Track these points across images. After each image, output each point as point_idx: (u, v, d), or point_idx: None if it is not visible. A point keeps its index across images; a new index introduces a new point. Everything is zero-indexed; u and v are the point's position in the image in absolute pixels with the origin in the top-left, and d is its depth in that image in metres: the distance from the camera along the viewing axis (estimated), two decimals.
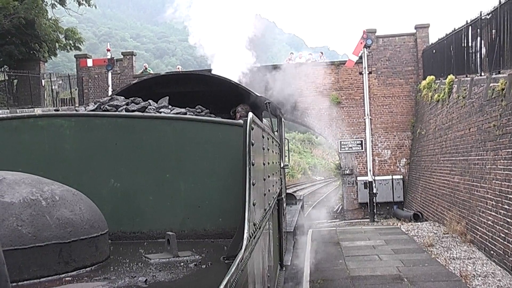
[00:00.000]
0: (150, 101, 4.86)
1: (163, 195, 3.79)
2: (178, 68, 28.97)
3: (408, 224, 16.11)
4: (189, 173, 3.80)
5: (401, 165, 21.26)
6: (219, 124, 3.94)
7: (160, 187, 3.80)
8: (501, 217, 9.61)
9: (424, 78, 19.53)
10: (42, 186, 2.70)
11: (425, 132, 18.23)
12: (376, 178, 20.71)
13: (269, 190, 4.60)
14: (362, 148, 21.38)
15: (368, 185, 20.47)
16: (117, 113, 4.31)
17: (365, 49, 20.66)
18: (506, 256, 9.19)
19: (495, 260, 9.72)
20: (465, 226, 12.04)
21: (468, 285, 8.53)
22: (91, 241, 2.72)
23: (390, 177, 21.00)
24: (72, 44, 26.46)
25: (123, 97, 4.93)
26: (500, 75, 10.55)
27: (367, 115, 21.12)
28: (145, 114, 4.28)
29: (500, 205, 9.70)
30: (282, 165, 7.71)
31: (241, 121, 3.48)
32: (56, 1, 25.93)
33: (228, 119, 4.45)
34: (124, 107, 4.57)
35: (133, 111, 4.46)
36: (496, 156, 10.12)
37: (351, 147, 21.53)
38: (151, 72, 25.39)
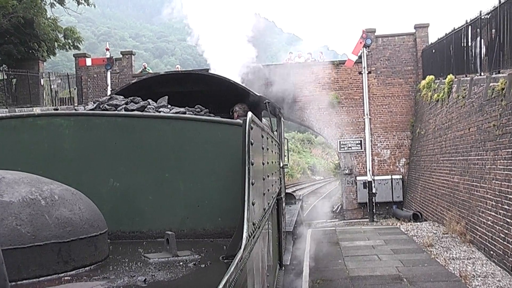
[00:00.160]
0: (149, 100, 4.85)
1: (163, 194, 3.79)
2: (177, 67, 28.95)
3: (408, 224, 16.13)
4: (189, 172, 3.80)
5: (401, 165, 21.28)
6: (218, 124, 3.94)
7: (159, 187, 3.79)
8: (501, 217, 9.62)
9: (424, 78, 19.54)
10: (41, 185, 2.70)
11: (425, 132, 18.24)
12: (376, 178, 20.72)
13: (268, 190, 4.60)
14: (361, 148, 21.38)
15: (367, 185, 20.47)
16: (116, 112, 4.30)
17: (364, 48, 20.69)
18: (506, 256, 9.18)
19: (495, 261, 9.72)
20: (465, 226, 12.05)
21: (468, 286, 8.52)
22: (90, 240, 2.72)
23: (389, 177, 21.01)
24: (71, 44, 26.44)
25: (122, 97, 4.92)
26: (500, 75, 10.55)
27: (367, 114, 21.13)
28: (145, 113, 4.28)
29: (500, 205, 9.70)
30: (281, 165, 7.71)
31: (240, 121, 3.47)
32: (55, 0, 25.89)
33: (227, 119, 4.44)
34: (124, 106, 4.56)
35: (133, 110, 4.45)
36: (496, 156, 10.12)
37: (350, 147, 21.53)
38: (150, 71, 25.39)
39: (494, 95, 10.36)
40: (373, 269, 10.06)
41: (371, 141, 21.23)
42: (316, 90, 21.72)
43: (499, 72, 10.89)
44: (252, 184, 3.13)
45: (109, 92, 21.06)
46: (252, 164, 3.18)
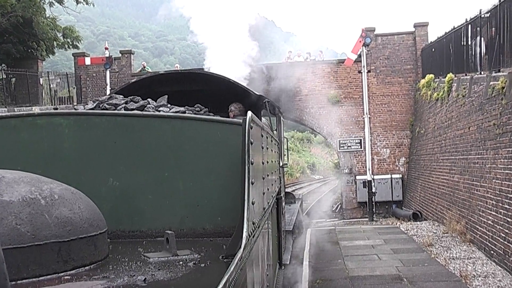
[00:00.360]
0: (149, 99, 4.85)
1: (162, 194, 3.79)
2: (177, 66, 28.95)
3: (407, 223, 16.12)
4: (188, 172, 3.79)
5: (400, 164, 21.28)
6: (218, 123, 3.93)
7: (159, 186, 3.79)
8: (502, 216, 9.61)
9: (423, 77, 19.54)
10: (41, 185, 2.69)
11: (424, 131, 18.24)
12: (375, 177, 20.72)
13: (268, 189, 4.60)
14: (361, 147, 21.38)
15: (367, 184, 20.47)
16: (116, 111, 4.29)
17: (364, 47, 20.67)
18: (507, 256, 9.17)
19: (495, 260, 9.71)
20: (465, 226, 12.04)
21: (468, 285, 8.50)
22: (90, 240, 2.71)
23: (389, 176, 21.02)
24: (70, 43, 26.43)
25: (122, 96, 4.91)
26: (500, 74, 10.55)
27: (366, 113, 21.13)
28: (144, 112, 4.27)
29: (501, 204, 9.69)
30: (281, 164, 7.71)
31: (240, 120, 3.47)
32: (54, 0, 25.89)
33: (227, 118, 4.44)
34: (123, 105, 4.56)
35: (132, 109, 4.44)
36: (496, 155, 10.11)
37: (350, 146, 21.54)
38: (149, 70, 25.39)
39: (494, 94, 10.36)
40: (373, 269, 10.05)
41: (371, 140, 21.23)
42: (315, 89, 21.73)
43: (499, 71, 10.89)
44: (252, 184, 3.13)
45: (108, 91, 21.05)
46: (252, 164, 3.18)
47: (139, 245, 3.47)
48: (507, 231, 9.28)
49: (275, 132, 7.85)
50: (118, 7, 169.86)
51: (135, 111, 4.30)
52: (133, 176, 3.80)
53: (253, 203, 3.14)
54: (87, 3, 27.04)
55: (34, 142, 3.86)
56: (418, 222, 15.85)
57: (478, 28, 13.00)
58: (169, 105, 4.81)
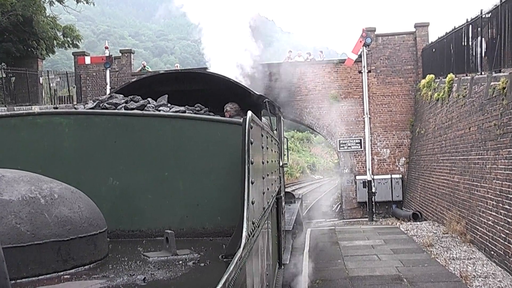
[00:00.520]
0: (149, 99, 4.85)
1: (162, 193, 3.78)
2: (177, 66, 28.95)
3: (407, 223, 16.11)
4: (188, 171, 3.79)
5: (400, 164, 21.27)
6: (218, 123, 3.93)
7: (159, 186, 3.79)
8: (502, 217, 9.60)
9: (424, 77, 19.54)
10: (41, 184, 2.69)
11: (425, 131, 18.23)
12: (375, 177, 20.72)
13: (268, 189, 4.59)
14: (361, 147, 21.38)
15: (367, 184, 20.47)
16: (116, 111, 4.29)
17: (364, 47, 20.68)
18: (507, 256, 9.16)
19: (496, 261, 9.70)
20: (465, 226, 12.03)
21: (468, 286, 8.49)
22: (90, 239, 2.71)
23: (389, 176, 21.01)
24: (70, 42, 26.44)
25: (122, 95, 4.91)
26: (501, 74, 10.54)
27: (366, 114, 21.13)
28: (144, 112, 4.27)
29: (501, 205, 9.68)
30: (281, 164, 7.70)
31: (240, 120, 3.47)
32: None
33: (227, 117, 4.44)
34: (123, 105, 4.56)
35: (132, 109, 4.44)
36: (497, 156, 10.11)
37: (350, 146, 21.53)
38: (150, 70, 25.40)
39: (495, 94, 10.35)
40: (372, 269, 10.05)
41: (371, 140, 21.23)
42: (315, 89, 21.73)
43: (500, 71, 10.88)
44: (252, 183, 3.12)
45: (108, 91, 21.07)
46: (252, 163, 3.18)
47: (138, 244, 3.47)
48: (507, 231, 9.27)
49: (275, 131, 7.85)
50: (118, 6, 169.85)
51: (135, 111, 4.30)
52: (133, 176, 3.80)
53: (253, 203, 3.14)
54: (87, 2, 27.05)
55: (34, 141, 3.86)
56: (418, 223, 15.85)
57: (479, 28, 12.99)
58: (169, 105, 4.81)
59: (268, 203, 4.60)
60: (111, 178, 3.79)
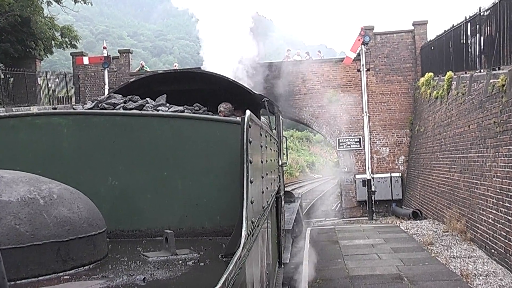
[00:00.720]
0: (148, 99, 4.85)
1: (161, 193, 3.78)
2: (175, 66, 28.94)
3: (407, 222, 16.11)
4: (187, 171, 3.79)
5: (400, 162, 21.28)
6: (216, 122, 3.93)
7: (158, 185, 3.78)
8: (502, 215, 9.59)
9: (423, 75, 19.54)
10: (40, 184, 2.69)
11: (424, 129, 18.23)
12: (375, 175, 20.73)
13: (267, 188, 4.59)
14: (360, 146, 21.38)
15: (366, 183, 20.48)
16: (114, 111, 4.28)
17: (363, 46, 20.67)
18: (508, 254, 9.15)
19: (496, 259, 9.70)
20: (465, 224, 12.03)
21: (469, 284, 8.47)
22: (89, 239, 2.71)
23: (388, 174, 21.02)
24: (68, 42, 26.42)
25: (120, 95, 4.91)
26: (500, 71, 10.54)
27: (365, 112, 21.12)
28: (143, 112, 4.26)
29: (501, 203, 9.68)
30: (280, 163, 7.70)
31: (238, 119, 3.47)
32: None
33: (226, 117, 4.43)
34: (122, 105, 4.55)
35: (131, 109, 4.44)
36: (497, 153, 10.10)
37: (349, 145, 21.53)
38: (148, 70, 25.37)
39: (495, 92, 10.34)
40: (373, 268, 10.03)
41: (370, 139, 21.23)
42: (314, 88, 21.73)
43: (499, 69, 10.87)
44: (251, 183, 3.12)
45: (106, 91, 21.04)
46: (251, 163, 3.17)
47: (138, 244, 3.46)
48: (508, 229, 9.26)
49: (274, 131, 7.85)
50: (116, 6, 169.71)
51: (134, 111, 4.30)
52: (132, 176, 3.80)
53: (252, 202, 3.13)
54: (85, 2, 27.01)
55: (32, 142, 3.85)
56: (418, 221, 15.84)
57: (477, 26, 12.99)
58: (167, 104, 4.81)
59: (267, 202, 4.60)
60: (110, 178, 3.79)
